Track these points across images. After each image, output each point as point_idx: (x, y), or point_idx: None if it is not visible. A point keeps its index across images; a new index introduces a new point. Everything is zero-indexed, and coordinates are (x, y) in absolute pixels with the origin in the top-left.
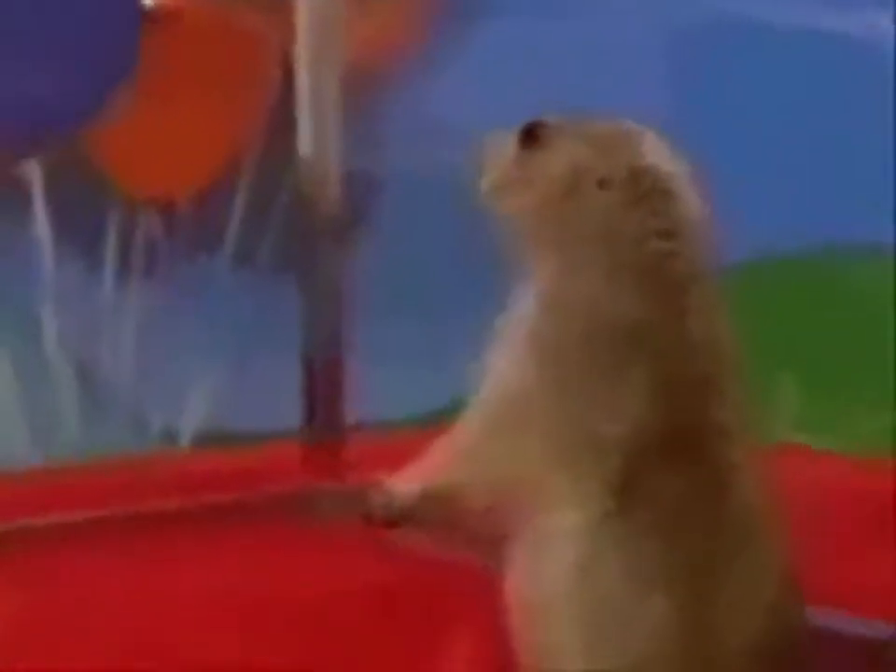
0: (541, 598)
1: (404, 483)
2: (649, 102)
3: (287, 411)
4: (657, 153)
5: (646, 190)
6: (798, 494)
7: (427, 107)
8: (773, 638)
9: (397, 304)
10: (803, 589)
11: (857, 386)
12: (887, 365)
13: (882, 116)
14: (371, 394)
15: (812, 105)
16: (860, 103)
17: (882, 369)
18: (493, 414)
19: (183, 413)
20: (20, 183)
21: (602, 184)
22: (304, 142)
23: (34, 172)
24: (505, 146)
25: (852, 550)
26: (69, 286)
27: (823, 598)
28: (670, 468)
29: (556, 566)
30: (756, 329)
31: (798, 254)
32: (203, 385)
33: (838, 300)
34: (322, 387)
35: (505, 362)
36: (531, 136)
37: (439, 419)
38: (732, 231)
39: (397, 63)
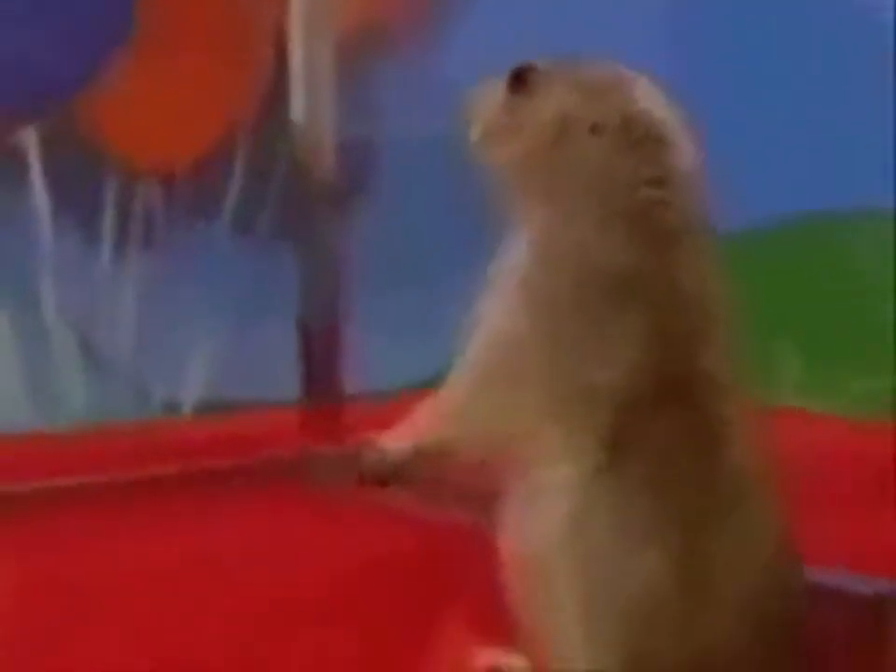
0: (534, 552)
1: (396, 441)
2: (647, 67)
3: (287, 378)
4: (650, 99)
5: (638, 137)
6: (797, 456)
7: (429, 74)
8: (768, 596)
9: (398, 272)
10: (800, 548)
11: (853, 351)
12: (885, 329)
13: (880, 80)
14: (371, 362)
15: (809, 72)
16: (857, 68)
17: (879, 333)
18: (484, 366)
19: (183, 382)
20: (17, 153)
21: (594, 130)
22: (297, 109)
23: (30, 141)
24: (494, 93)
25: (852, 510)
26: (68, 255)
27: (823, 557)
28: (662, 421)
29: (549, 519)
30: (755, 295)
31: (795, 221)
32: (204, 354)
33: (834, 265)
34: (319, 354)
35: (496, 312)
36: (520, 81)
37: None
38: (731, 198)
39: (397, 29)
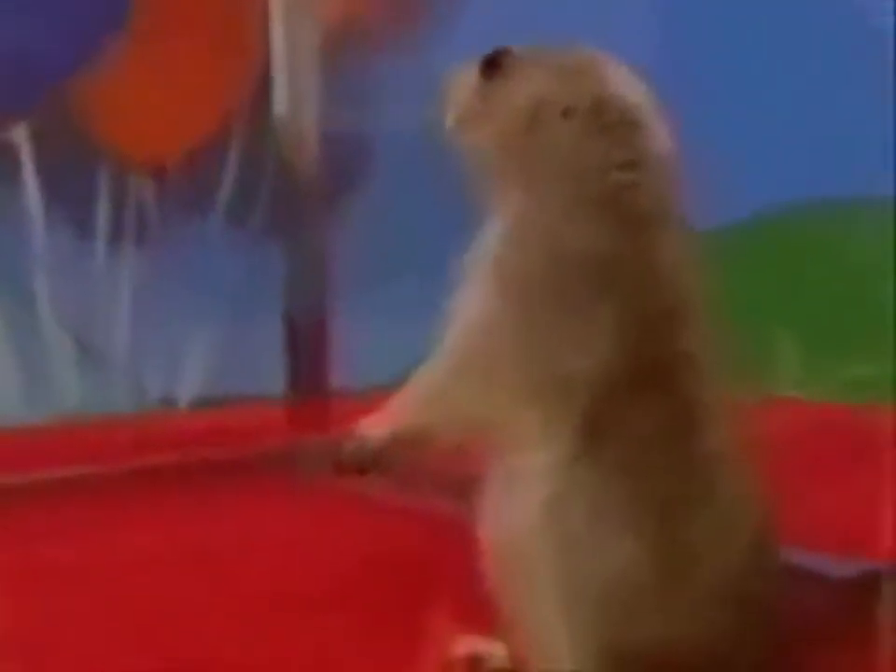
0: (512, 538)
1: (374, 428)
2: (639, 60)
3: (276, 372)
4: (622, 83)
5: (609, 121)
6: (791, 442)
7: (420, 66)
8: (747, 581)
9: (386, 266)
10: (792, 532)
11: (850, 338)
12: (882, 316)
13: (877, 70)
14: (359, 356)
15: (803, 62)
16: (851, 57)
17: (874, 320)
18: (461, 352)
19: (177, 377)
20: (8, 148)
21: (565, 113)
22: (280, 102)
23: (22, 136)
24: (469, 78)
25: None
26: (61, 250)
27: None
28: (639, 407)
29: (526, 505)
30: (751, 284)
31: (790, 210)
32: (197, 348)
33: (831, 253)
34: (305, 348)
35: (471, 298)
36: (493, 66)
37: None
38: (728, 188)
39: (387, 21)
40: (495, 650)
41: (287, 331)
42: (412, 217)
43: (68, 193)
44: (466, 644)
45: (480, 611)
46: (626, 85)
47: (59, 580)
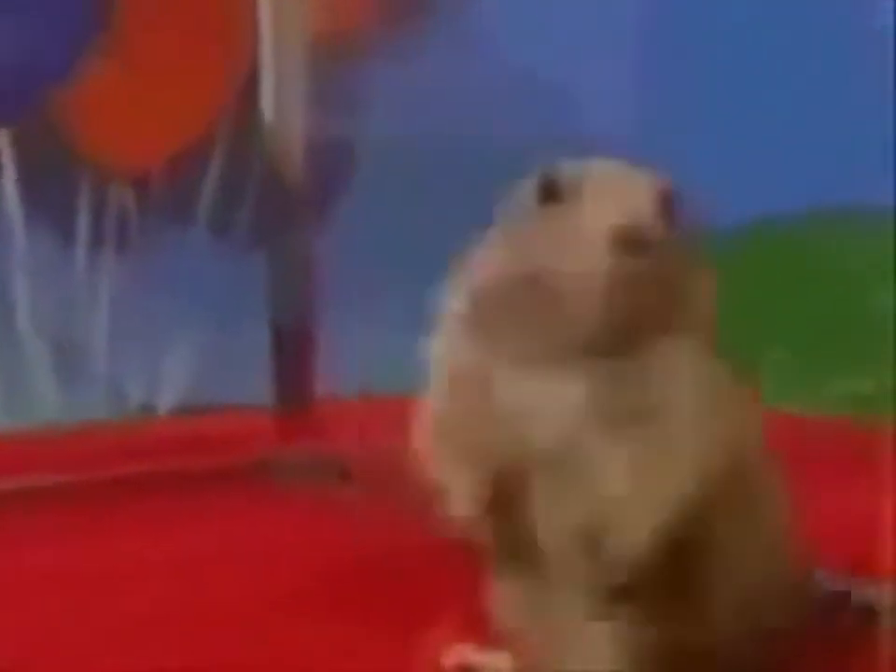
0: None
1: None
2: (631, 72)
3: (261, 380)
4: None
5: None
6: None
7: (410, 74)
8: (766, 596)
9: (373, 274)
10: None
11: (836, 351)
12: (878, 328)
13: (871, 78)
14: (345, 365)
15: (801, 70)
16: (847, 66)
17: (869, 331)
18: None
19: (159, 384)
20: None
21: None
22: (267, 108)
23: (2, 143)
24: None
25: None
26: (42, 258)
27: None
28: None
29: None
30: (736, 297)
31: (786, 219)
32: (181, 356)
33: (827, 263)
34: (290, 357)
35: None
36: None
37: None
38: (711, 199)
39: (377, 29)
40: (494, 660)
41: (272, 339)
42: (398, 224)
43: (49, 200)
44: (457, 654)
45: (472, 621)
46: None
47: (38, 588)
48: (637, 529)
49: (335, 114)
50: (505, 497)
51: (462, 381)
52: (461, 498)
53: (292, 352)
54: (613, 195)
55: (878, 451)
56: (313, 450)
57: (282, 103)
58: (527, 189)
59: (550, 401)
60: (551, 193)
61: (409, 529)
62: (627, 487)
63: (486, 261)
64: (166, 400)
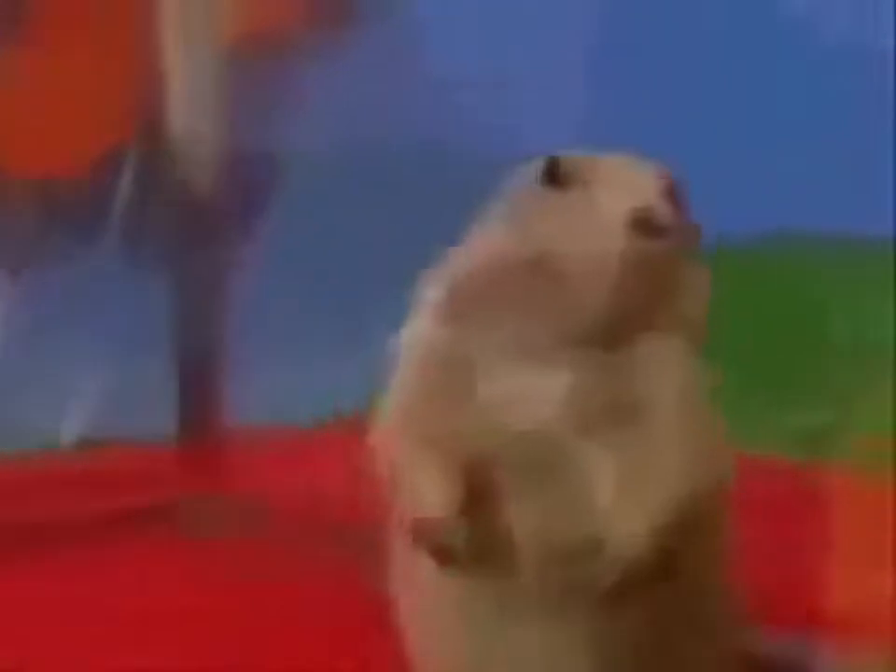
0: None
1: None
2: (601, 83)
3: (166, 414)
4: None
5: None
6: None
7: (337, 81)
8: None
9: (289, 302)
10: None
11: (797, 382)
12: (837, 360)
13: (845, 96)
14: (259, 396)
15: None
16: (821, 86)
17: (828, 363)
18: None
19: (62, 418)
20: None
21: None
22: (175, 115)
23: None
24: None
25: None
26: None
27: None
28: None
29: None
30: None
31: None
32: (84, 387)
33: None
34: (196, 388)
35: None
36: None
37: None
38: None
39: (303, 34)
40: None
41: (177, 370)
42: (318, 246)
43: None
44: None
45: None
46: None
47: None
48: (633, 535)
49: (257, 123)
50: (478, 497)
51: (434, 367)
52: (432, 498)
53: (198, 383)
54: (625, 180)
55: (825, 496)
56: (220, 491)
57: (191, 109)
58: (531, 174)
59: (532, 390)
60: (557, 178)
61: (321, 574)
62: (618, 492)
63: (481, 246)
64: (72, 435)
